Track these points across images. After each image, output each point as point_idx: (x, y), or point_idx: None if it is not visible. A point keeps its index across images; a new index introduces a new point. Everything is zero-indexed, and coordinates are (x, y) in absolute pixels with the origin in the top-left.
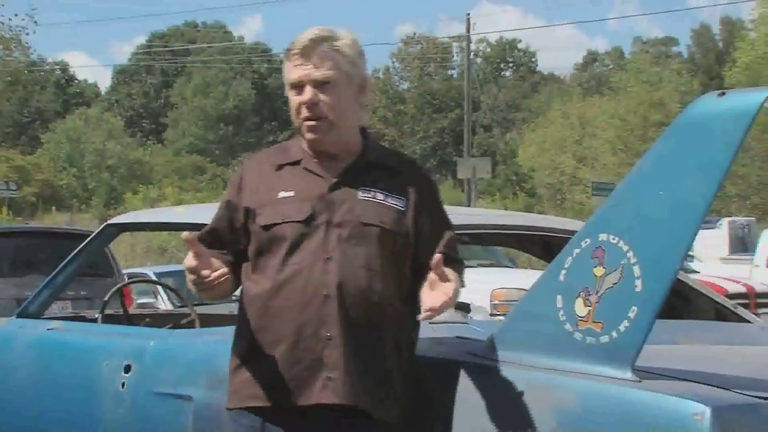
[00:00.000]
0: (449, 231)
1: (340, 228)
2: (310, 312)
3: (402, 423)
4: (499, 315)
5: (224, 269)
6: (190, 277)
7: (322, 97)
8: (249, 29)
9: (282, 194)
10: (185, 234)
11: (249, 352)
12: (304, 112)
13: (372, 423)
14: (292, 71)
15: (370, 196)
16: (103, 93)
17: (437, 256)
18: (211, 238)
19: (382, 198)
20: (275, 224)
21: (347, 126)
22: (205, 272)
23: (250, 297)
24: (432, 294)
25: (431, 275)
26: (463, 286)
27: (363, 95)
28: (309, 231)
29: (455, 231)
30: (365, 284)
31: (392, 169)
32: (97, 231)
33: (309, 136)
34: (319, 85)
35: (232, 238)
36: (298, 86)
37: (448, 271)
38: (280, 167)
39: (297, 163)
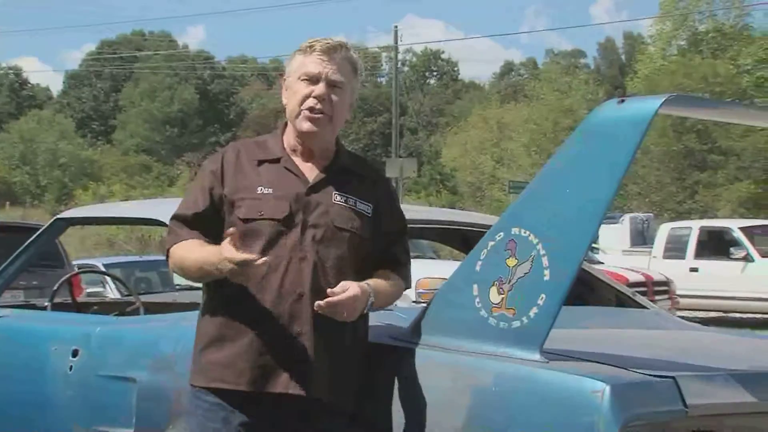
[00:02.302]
0: (401, 234)
1: (315, 229)
2: (283, 307)
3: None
4: (423, 302)
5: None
6: (231, 267)
7: (331, 95)
8: (193, 38)
9: (261, 190)
10: (232, 230)
11: (219, 335)
12: (311, 103)
13: (330, 411)
14: (311, 65)
15: (342, 200)
16: (55, 96)
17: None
18: (196, 221)
19: (353, 203)
20: (253, 219)
21: (337, 129)
22: (250, 256)
23: (225, 282)
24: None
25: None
26: (408, 286)
27: (351, 109)
28: (286, 229)
29: (407, 231)
30: (334, 284)
31: (361, 176)
32: (46, 225)
33: (306, 126)
34: (331, 85)
35: (214, 225)
36: (313, 80)
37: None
38: (259, 163)
39: (277, 161)
